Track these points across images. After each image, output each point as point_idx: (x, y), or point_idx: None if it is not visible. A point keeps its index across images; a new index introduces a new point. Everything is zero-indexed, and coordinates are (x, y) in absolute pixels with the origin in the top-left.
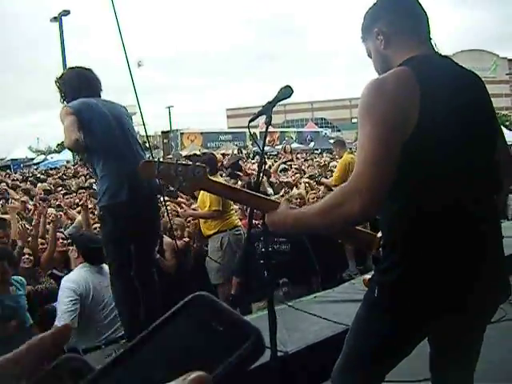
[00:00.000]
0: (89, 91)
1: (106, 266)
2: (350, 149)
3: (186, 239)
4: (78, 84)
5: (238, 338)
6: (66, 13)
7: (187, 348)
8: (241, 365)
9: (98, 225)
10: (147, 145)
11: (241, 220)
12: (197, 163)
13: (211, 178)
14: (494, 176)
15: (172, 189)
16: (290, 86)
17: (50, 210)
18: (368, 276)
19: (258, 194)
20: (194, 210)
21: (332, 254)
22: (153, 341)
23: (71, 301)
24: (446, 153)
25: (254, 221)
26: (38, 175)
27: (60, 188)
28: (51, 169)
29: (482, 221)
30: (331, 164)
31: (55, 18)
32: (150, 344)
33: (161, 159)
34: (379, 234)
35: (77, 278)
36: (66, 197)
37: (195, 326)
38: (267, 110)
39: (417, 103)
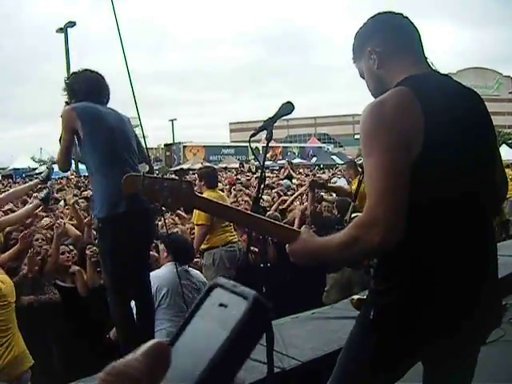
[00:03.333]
0: (98, 97)
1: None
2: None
3: None
4: (91, 87)
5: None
6: (72, 24)
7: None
8: (246, 326)
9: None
10: (148, 157)
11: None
12: (183, 178)
13: (200, 194)
14: (494, 196)
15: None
16: (291, 102)
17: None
18: (356, 296)
19: (251, 213)
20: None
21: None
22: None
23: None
24: (449, 174)
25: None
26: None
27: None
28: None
29: (484, 242)
30: (332, 180)
31: (61, 28)
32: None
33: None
34: None
35: (158, 274)
36: (66, 207)
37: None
38: (268, 125)
39: (420, 123)
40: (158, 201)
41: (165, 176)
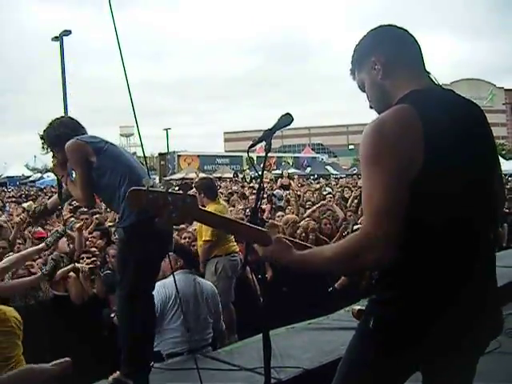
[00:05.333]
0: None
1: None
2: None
3: None
4: (69, 129)
5: None
6: (68, 33)
7: None
8: None
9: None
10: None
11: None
12: (188, 192)
13: (203, 207)
14: (493, 209)
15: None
16: (290, 114)
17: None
18: (357, 307)
19: (255, 227)
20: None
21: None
22: None
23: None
24: (450, 188)
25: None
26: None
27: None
28: (47, 187)
29: (482, 254)
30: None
31: (56, 37)
32: None
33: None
34: None
35: (165, 282)
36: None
37: None
38: (267, 136)
39: (420, 142)
40: (163, 215)
41: (169, 190)
